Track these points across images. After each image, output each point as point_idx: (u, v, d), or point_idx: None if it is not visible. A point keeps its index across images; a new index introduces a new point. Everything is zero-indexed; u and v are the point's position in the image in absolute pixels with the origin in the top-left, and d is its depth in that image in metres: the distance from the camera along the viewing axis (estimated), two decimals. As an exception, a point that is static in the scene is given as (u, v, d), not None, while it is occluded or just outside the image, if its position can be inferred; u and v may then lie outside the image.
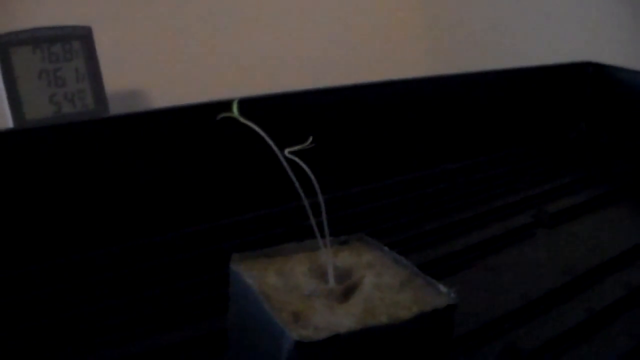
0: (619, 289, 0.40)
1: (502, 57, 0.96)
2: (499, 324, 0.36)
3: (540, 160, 0.67)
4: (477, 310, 0.37)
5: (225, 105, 0.30)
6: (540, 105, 0.72)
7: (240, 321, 0.29)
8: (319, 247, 0.31)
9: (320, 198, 0.29)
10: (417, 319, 0.26)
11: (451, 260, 0.45)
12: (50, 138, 0.42)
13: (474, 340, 0.35)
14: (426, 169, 0.60)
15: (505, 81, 0.69)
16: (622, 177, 0.62)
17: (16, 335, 0.34)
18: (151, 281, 0.40)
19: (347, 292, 0.29)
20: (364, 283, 0.29)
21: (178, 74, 0.89)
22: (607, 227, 0.52)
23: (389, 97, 0.60)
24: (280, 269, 0.30)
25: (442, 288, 0.29)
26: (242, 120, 0.29)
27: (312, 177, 0.29)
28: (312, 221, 0.30)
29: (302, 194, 0.29)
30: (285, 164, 0.28)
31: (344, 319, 0.26)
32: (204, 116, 0.47)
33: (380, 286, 0.29)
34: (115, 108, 0.73)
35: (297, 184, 0.29)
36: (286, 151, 0.29)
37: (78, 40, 0.69)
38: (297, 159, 0.28)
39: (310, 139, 0.29)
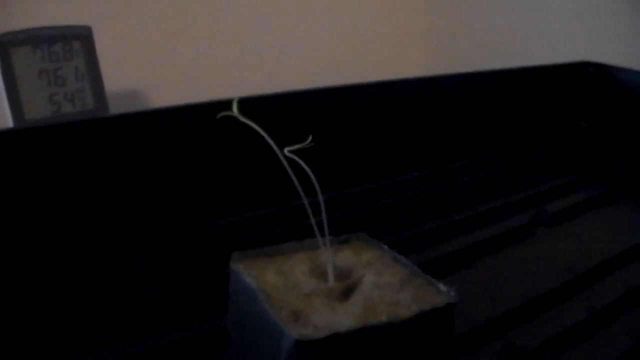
0: (619, 289, 0.40)
1: (502, 57, 0.96)
2: (498, 323, 0.36)
3: (540, 160, 0.67)
4: (477, 309, 0.37)
5: (225, 104, 0.30)
6: (540, 105, 0.72)
7: (240, 320, 0.29)
8: (319, 247, 0.31)
9: (320, 197, 0.29)
10: (417, 318, 0.26)
11: (451, 259, 0.45)
12: (50, 138, 0.42)
13: (474, 339, 0.35)
14: (426, 168, 0.60)
15: (506, 81, 0.69)
16: (622, 177, 0.62)
17: (16, 335, 0.34)
18: (151, 281, 0.40)
19: (347, 291, 0.29)
20: (363, 282, 0.29)
21: (178, 74, 0.90)
22: (607, 226, 0.52)
23: (389, 97, 0.60)
24: (280, 268, 0.30)
25: (442, 287, 0.29)
26: (242, 119, 0.29)
27: (312, 176, 0.29)
28: (312, 220, 0.30)
29: (302, 194, 0.29)
30: (285, 163, 0.28)
31: (343, 317, 0.26)
32: (204, 116, 0.47)
33: (380, 285, 0.29)
34: (115, 108, 0.73)
35: (297, 183, 0.29)
36: (286, 150, 0.28)
37: (78, 40, 0.68)
38: (297, 158, 0.28)
39: (310, 138, 0.29)
